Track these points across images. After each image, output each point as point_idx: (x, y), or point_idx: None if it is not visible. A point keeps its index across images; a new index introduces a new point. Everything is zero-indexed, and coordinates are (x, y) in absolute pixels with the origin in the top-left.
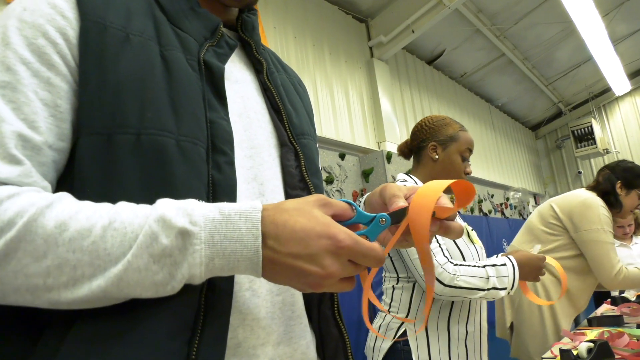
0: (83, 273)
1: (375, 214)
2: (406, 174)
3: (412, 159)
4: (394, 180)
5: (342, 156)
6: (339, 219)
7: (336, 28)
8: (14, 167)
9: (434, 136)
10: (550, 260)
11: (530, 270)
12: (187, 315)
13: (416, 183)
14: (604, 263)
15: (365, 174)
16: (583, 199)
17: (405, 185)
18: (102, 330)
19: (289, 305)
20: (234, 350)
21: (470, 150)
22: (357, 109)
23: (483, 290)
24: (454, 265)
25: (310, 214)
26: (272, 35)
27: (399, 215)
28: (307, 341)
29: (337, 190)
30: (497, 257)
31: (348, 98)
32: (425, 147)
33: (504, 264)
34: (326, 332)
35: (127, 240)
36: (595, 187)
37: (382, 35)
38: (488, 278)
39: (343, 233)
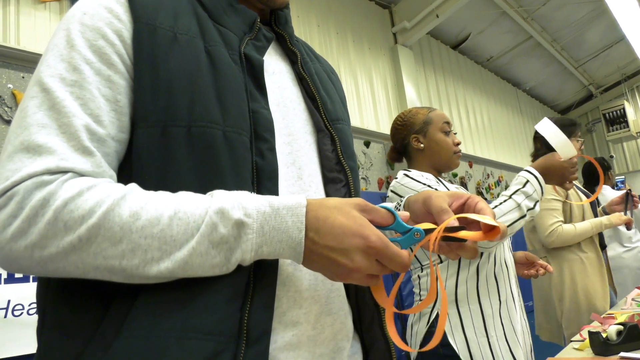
0: (152, 256)
1: (412, 227)
2: (404, 170)
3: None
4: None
5: (367, 144)
6: (377, 224)
7: (359, 15)
8: (88, 158)
9: (411, 129)
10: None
11: (553, 176)
12: (239, 285)
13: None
14: (539, 227)
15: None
16: None
17: (447, 191)
18: (167, 297)
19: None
20: (279, 318)
21: (448, 123)
22: (382, 96)
23: (522, 217)
24: None
25: (349, 214)
26: (295, 25)
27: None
28: (345, 312)
29: (363, 178)
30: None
31: (372, 85)
32: (409, 142)
33: (527, 181)
34: (362, 305)
35: (190, 229)
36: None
37: (406, 20)
38: (519, 205)
39: (375, 235)
